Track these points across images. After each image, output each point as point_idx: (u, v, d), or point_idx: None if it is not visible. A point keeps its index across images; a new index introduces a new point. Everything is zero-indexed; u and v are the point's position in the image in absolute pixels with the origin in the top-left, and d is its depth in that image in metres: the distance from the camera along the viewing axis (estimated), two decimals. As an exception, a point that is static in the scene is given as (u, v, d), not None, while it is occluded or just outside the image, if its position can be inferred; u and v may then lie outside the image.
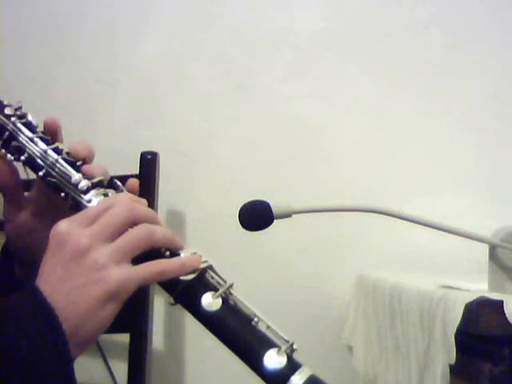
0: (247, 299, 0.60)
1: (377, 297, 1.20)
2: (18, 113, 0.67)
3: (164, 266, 0.58)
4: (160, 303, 1.39)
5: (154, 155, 1.27)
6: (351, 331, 1.33)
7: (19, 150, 0.65)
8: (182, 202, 1.46)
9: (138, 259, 0.57)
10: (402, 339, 1.05)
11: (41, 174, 0.64)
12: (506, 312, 0.80)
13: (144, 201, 0.62)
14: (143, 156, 1.26)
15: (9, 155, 0.65)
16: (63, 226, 0.57)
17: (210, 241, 1.44)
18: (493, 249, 0.89)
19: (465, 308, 0.83)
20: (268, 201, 0.87)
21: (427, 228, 0.90)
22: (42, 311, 0.53)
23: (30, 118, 0.67)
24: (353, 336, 1.33)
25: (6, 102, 0.68)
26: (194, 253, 0.61)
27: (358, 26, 1.48)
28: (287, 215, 0.87)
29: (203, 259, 0.60)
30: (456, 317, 0.83)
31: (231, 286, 0.59)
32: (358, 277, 1.34)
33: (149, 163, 1.26)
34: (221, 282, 0.60)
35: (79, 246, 0.55)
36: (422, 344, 0.95)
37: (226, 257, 1.43)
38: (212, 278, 0.60)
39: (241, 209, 0.87)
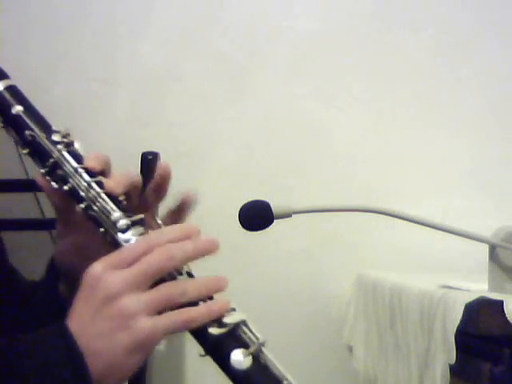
0: (278, 360, 0.57)
1: (377, 296, 1.20)
2: (66, 140, 0.65)
3: (190, 315, 0.56)
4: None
5: (155, 155, 1.27)
6: (351, 331, 1.33)
7: (63, 180, 0.64)
8: (182, 202, 1.46)
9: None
10: (402, 339, 1.05)
11: (82, 206, 0.63)
12: (505, 312, 0.80)
13: (191, 231, 0.61)
14: (144, 156, 1.26)
15: (53, 183, 0.64)
16: (97, 268, 0.56)
17: (210, 241, 1.44)
18: (493, 249, 0.89)
19: (465, 308, 0.83)
20: (268, 201, 0.87)
21: (427, 228, 0.90)
22: (70, 355, 0.53)
23: (76, 146, 0.66)
24: (353, 336, 1.33)
25: (54, 128, 0.66)
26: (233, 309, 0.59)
27: (357, 26, 1.48)
28: (287, 215, 0.87)
29: (236, 313, 0.58)
30: (456, 317, 0.83)
31: (263, 343, 0.57)
32: (358, 276, 1.34)
33: (149, 163, 1.26)
34: (253, 338, 0.57)
35: (111, 290, 0.54)
36: (422, 344, 0.95)
37: (226, 257, 1.43)
38: (244, 333, 0.57)
39: (241, 209, 0.87)
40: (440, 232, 0.90)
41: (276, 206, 0.86)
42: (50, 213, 1.38)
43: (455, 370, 0.86)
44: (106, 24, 1.48)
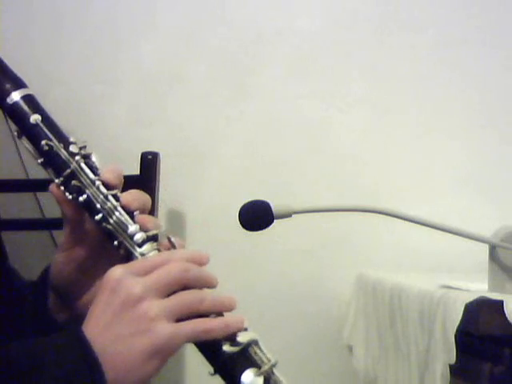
0: (289, 382, 0.57)
1: (377, 296, 1.20)
2: (83, 152, 0.65)
3: (209, 324, 0.57)
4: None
5: (155, 155, 1.27)
6: (351, 331, 1.33)
7: (79, 191, 0.64)
8: (182, 202, 1.46)
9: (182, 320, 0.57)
10: (402, 339, 1.05)
11: (97, 218, 0.63)
12: (505, 312, 0.80)
13: (201, 258, 0.61)
14: (144, 156, 1.26)
15: (67, 193, 0.64)
16: (118, 271, 0.56)
17: (210, 241, 1.44)
18: (493, 249, 0.89)
19: (465, 308, 0.83)
20: (268, 201, 0.87)
21: (427, 228, 0.90)
22: (86, 359, 0.53)
23: (93, 158, 0.66)
24: (353, 336, 1.33)
25: (72, 139, 0.66)
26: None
27: (358, 27, 1.48)
28: (287, 215, 0.87)
29: (250, 331, 0.58)
30: (456, 317, 0.83)
31: (275, 365, 0.57)
32: (358, 276, 1.34)
33: (149, 163, 1.26)
34: (264, 359, 0.57)
35: (132, 294, 0.55)
36: (422, 344, 0.95)
37: (226, 257, 1.43)
38: (255, 353, 0.57)
39: (241, 209, 0.87)
40: (440, 232, 0.90)
41: (276, 206, 0.86)
42: (49, 213, 1.38)
43: (455, 370, 0.86)
44: (108, 25, 1.48)
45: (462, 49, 1.48)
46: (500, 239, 0.88)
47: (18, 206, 1.38)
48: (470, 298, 0.83)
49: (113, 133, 1.46)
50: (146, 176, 1.25)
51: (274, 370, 0.57)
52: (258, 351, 0.57)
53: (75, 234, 0.67)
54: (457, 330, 0.83)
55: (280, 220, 0.86)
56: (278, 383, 0.57)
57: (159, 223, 0.64)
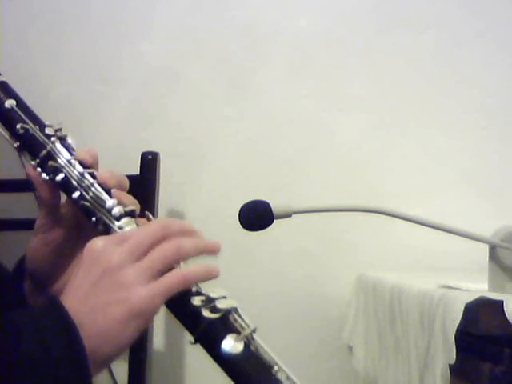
0: (269, 346, 0.58)
1: (377, 297, 1.20)
2: (58, 134, 0.67)
3: (185, 273, 0.57)
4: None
5: (155, 155, 1.27)
6: (351, 331, 1.33)
7: (55, 171, 0.65)
8: (182, 202, 1.46)
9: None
10: (402, 339, 1.05)
11: (74, 196, 0.64)
12: (506, 312, 0.80)
13: (181, 226, 0.61)
14: (144, 156, 1.26)
15: (44, 174, 0.65)
16: (98, 243, 0.57)
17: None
18: (493, 249, 0.89)
19: (465, 308, 0.83)
20: (268, 201, 0.87)
21: (427, 228, 0.90)
22: (63, 326, 0.53)
23: (69, 140, 0.67)
24: (353, 336, 1.33)
25: (46, 122, 0.67)
26: (222, 295, 0.59)
27: (357, 26, 1.48)
28: (287, 215, 0.87)
29: (229, 299, 0.59)
30: (456, 317, 0.83)
31: (254, 330, 0.58)
32: (358, 277, 1.34)
33: (149, 163, 1.26)
34: (244, 325, 0.58)
35: (110, 264, 0.56)
36: (422, 344, 0.95)
37: (226, 257, 1.43)
38: (235, 320, 0.58)
39: (241, 209, 0.87)
40: (440, 232, 0.90)
41: (276, 206, 0.86)
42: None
43: (455, 370, 0.86)
44: (108, 24, 1.48)
45: (463, 49, 1.48)
46: (500, 239, 0.88)
47: (18, 206, 1.38)
48: (470, 297, 0.83)
49: (113, 133, 1.46)
50: (146, 176, 1.25)
51: (254, 336, 0.57)
52: (237, 318, 0.58)
53: (51, 216, 0.68)
54: (457, 330, 0.83)
55: (280, 220, 0.86)
56: (258, 348, 0.57)
57: (136, 201, 0.65)
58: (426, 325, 0.93)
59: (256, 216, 0.87)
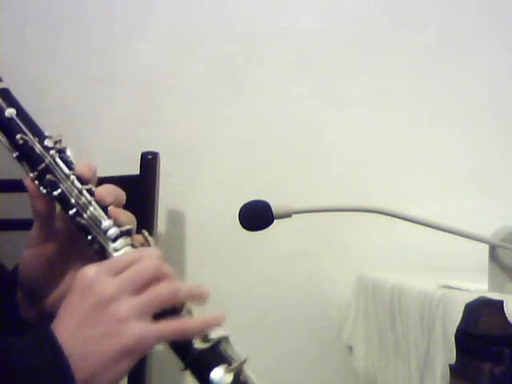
0: (258, 378, 0.57)
1: (377, 297, 1.20)
2: (58, 146, 0.66)
3: (186, 325, 0.57)
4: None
5: (155, 155, 1.27)
6: (351, 331, 1.33)
7: (53, 185, 0.64)
8: (182, 202, 1.46)
9: (159, 315, 0.57)
10: (402, 339, 1.05)
11: (71, 213, 0.63)
12: (505, 312, 0.80)
13: (168, 268, 0.60)
14: (144, 156, 1.26)
15: (41, 187, 0.65)
16: (92, 271, 0.56)
17: (210, 241, 1.44)
18: (493, 249, 0.89)
19: (465, 308, 0.83)
20: (268, 201, 0.87)
21: (427, 228, 0.90)
22: (55, 359, 0.53)
23: (68, 153, 0.66)
24: (353, 336, 1.33)
25: (46, 133, 0.67)
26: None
27: (358, 26, 1.48)
28: (287, 215, 0.87)
29: (219, 330, 0.58)
30: (456, 317, 0.83)
31: (244, 361, 0.57)
32: (358, 277, 1.34)
33: (149, 163, 1.26)
34: (234, 356, 0.58)
35: (104, 295, 0.55)
36: (422, 344, 0.95)
37: (226, 257, 1.43)
38: (225, 350, 0.58)
39: (241, 209, 0.87)
40: (440, 232, 0.90)
41: (276, 206, 0.86)
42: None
43: (455, 370, 0.86)
44: (104, 23, 1.48)
45: (464, 47, 1.48)
46: (500, 239, 0.88)
47: (18, 206, 1.38)
48: (470, 298, 0.83)
49: (113, 133, 1.45)
50: (146, 176, 1.25)
51: (244, 367, 0.57)
52: (228, 348, 0.58)
53: (45, 230, 0.67)
54: (457, 330, 0.83)
55: (280, 220, 0.86)
56: (247, 380, 0.57)
57: (133, 217, 0.65)
58: (426, 325, 0.93)
59: (256, 216, 0.87)
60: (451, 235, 0.89)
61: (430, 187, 1.46)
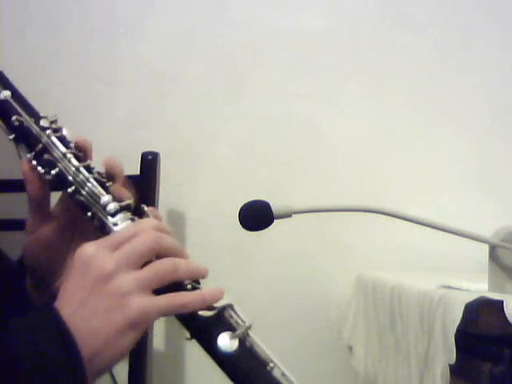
0: (264, 343, 0.58)
1: (377, 297, 1.20)
2: (54, 126, 0.66)
3: (186, 299, 0.57)
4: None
5: (155, 155, 1.27)
6: (351, 331, 1.33)
7: (50, 164, 0.64)
8: (182, 202, 1.46)
9: (159, 290, 0.57)
10: (402, 339, 1.05)
11: (70, 190, 0.63)
12: (505, 312, 0.80)
13: (168, 229, 0.61)
14: (144, 156, 1.26)
15: (39, 168, 0.65)
16: (90, 248, 0.56)
17: (210, 241, 1.44)
18: (493, 249, 0.89)
19: (465, 308, 0.83)
20: (268, 201, 0.87)
21: (427, 228, 0.90)
22: (61, 336, 0.53)
23: (64, 132, 0.66)
24: (353, 336, 1.33)
25: (42, 114, 0.67)
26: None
27: (358, 26, 1.48)
28: (287, 215, 0.87)
29: (224, 296, 0.59)
30: (456, 317, 0.83)
31: (249, 327, 0.58)
32: (358, 277, 1.34)
33: (149, 163, 1.26)
34: (239, 321, 0.58)
35: (104, 270, 0.55)
36: (422, 344, 0.95)
37: (226, 257, 1.43)
38: (231, 316, 0.58)
39: (241, 209, 0.87)
40: (440, 232, 0.90)
41: (276, 206, 0.86)
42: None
43: (455, 370, 0.86)
44: (106, 23, 1.48)
45: (464, 48, 1.48)
46: (500, 239, 0.88)
47: (18, 206, 1.38)
48: (470, 298, 0.83)
49: (113, 133, 1.46)
50: (146, 176, 1.25)
51: (250, 332, 0.58)
52: (233, 314, 0.58)
53: (39, 214, 0.67)
54: (457, 330, 0.83)
55: (280, 220, 0.86)
56: (253, 345, 0.57)
57: (133, 193, 0.65)
58: (426, 325, 0.93)
59: (256, 216, 0.87)
60: (451, 235, 0.89)
61: (430, 187, 1.46)
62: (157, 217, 0.64)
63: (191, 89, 1.48)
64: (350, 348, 1.34)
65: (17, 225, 1.31)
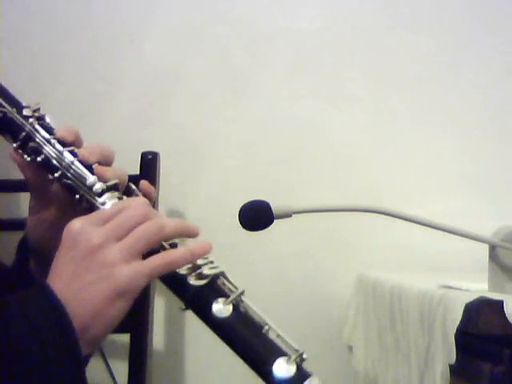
0: (258, 307, 0.60)
1: (377, 297, 1.20)
2: (36, 114, 0.67)
3: (173, 255, 0.58)
4: (160, 304, 1.39)
5: (155, 155, 1.27)
6: (351, 331, 1.33)
7: (36, 152, 0.65)
8: (182, 202, 1.46)
9: (149, 254, 0.58)
10: (402, 339, 1.05)
11: (56, 175, 0.64)
12: (506, 312, 0.80)
13: (157, 212, 0.62)
14: (144, 156, 1.26)
15: (25, 156, 0.66)
16: (76, 224, 0.58)
17: (210, 241, 1.43)
18: (493, 249, 0.89)
19: (465, 308, 0.83)
20: (268, 201, 0.87)
21: (427, 228, 0.90)
22: (53, 309, 0.54)
23: (47, 119, 0.68)
24: (353, 336, 1.33)
25: (24, 104, 0.68)
26: (205, 259, 0.60)
27: (358, 26, 1.48)
28: (287, 215, 0.87)
29: (215, 265, 0.60)
30: (456, 317, 0.83)
31: (242, 293, 0.59)
32: (358, 277, 1.34)
33: (149, 163, 1.26)
34: (232, 288, 0.59)
35: (91, 243, 0.56)
36: (422, 344, 0.95)
37: (226, 257, 1.43)
38: (224, 284, 0.59)
39: (241, 209, 0.87)
40: (440, 232, 0.90)
41: (276, 206, 0.86)
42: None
43: (455, 370, 0.86)
44: (108, 24, 1.48)
45: (463, 49, 1.48)
46: (500, 239, 0.88)
47: (18, 206, 1.38)
48: (470, 298, 0.83)
49: (113, 133, 1.45)
50: (146, 176, 1.25)
51: (243, 298, 0.59)
52: (225, 282, 0.60)
53: (40, 196, 0.69)
54: (457, 330, 0.83)
55: (280, 220, 0.86)
56: (247, 309, 0.59)
57: (120, 172, 0.66)
58: (426, 325, 0.93)
59: (256, 216, 0.87)
60: (451, 235, 0.89)
61: (430, 187, 1.46)
62: (150, 193, 0.67)
63: (192, 89, 1.48)
64: (350, 348, 1.34)
65: (17, 225, 1.31)
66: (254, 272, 1.45)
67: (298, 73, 1.48)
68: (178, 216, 1.46)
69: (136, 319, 1.18)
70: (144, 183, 0.68)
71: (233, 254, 1.43)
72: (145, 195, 0.68)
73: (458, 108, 1.48)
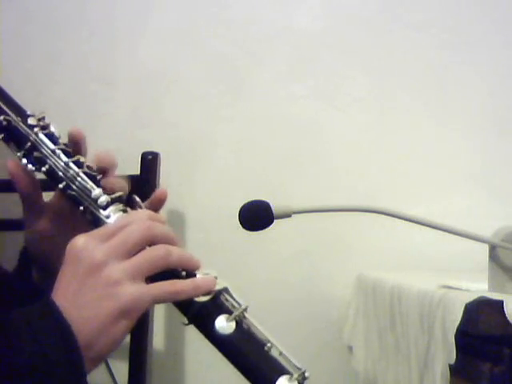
0: (261, 323, 0.59)
1: (377, 297, 1.20)
2: (41, 123, 0.66)
3: (178, 286, 0.58)
4: (160, 304, 1.39)
5: (155, 155, 1.27)
6: (351, 331, 1.33)
7: (40, 162, 0.65)
8: (182, 202, 1.46)
9: (152, 278, 0.57)
10: (402, 339, 1.05)
11: (61, 186, 0.64)
12: (506, 312, 0.80)
13: (162, 218, 0.62)
14: (144, 156, 1.26)
15: (30, 166, 0.65)
16: (80, 241, 0.57)
17: (210, 241, 1.44)
18: (493, 249, 0.89)
19: (465, 308, 0.83)
20: (268, 201, 0.87)
21: (427, 228, 0.90)
22: (58, 327, 0.54)
23: (52, 128, 0.67)
24: (353, 336, 1.33)
25: (29, 112, 0.67)
26: (207, 273, 0.61)
27: (358, 26, 1.48)
28: (287, 215, 0.87)
29: (218, 281, 0.60)
30: (456, 317, 0.83)
31: (245, 309, 0.59)
32: (358, 277, 1.34)
33: (149, 163, 1.26)
34: (235, 304, 0.59)
35: (94, 260, 0.56)
36: (422, 344, 0.95)
37: (226, 257, 1.43)
38: (227, 300, 0.60)
39: (241, 209, 0.87)
40: (440, 232, 0.90)
41: (276, 206, 0.86)
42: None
43: (455, 370, 0.86)
44: (105, 24, 1.49)
45: (465, 47, 1.48)
46: (500, 239, 0.88)
47: (18, 206, 1.38)
48: (470, 298, 0.83)
49: (113, 133, 1.46)
50: (146, 176, 1.25)
51: (246, 314, 0.59)
52: (229, 298, 0.60)
53: (32, 209, 0.69)
54: (457, 330, 0.83)
55: (280, 220, 0.86)
56: (250, 326, 0.58)
57: (124, 184, 0.66)
58: (426, 325, 0.93)
59: (256, 216, 0.87)
60: (451, 235, 0.89)
61: (430, 187, 1.46)
62: (160, 201, 0.66)
63: (191, 89, 1.48)
64: (350, 348, 1.34)
65: (17, 225, 1.31)
66: (253, 272, 1.45)
67: (297, 73, 1.48)
68: (177, 217, 1.46)
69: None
70: (160, 192, 0.67)
71: (232, 255, 1.43)
72: (155, 203, 0.67)
73: (458, 108, 1.48)
